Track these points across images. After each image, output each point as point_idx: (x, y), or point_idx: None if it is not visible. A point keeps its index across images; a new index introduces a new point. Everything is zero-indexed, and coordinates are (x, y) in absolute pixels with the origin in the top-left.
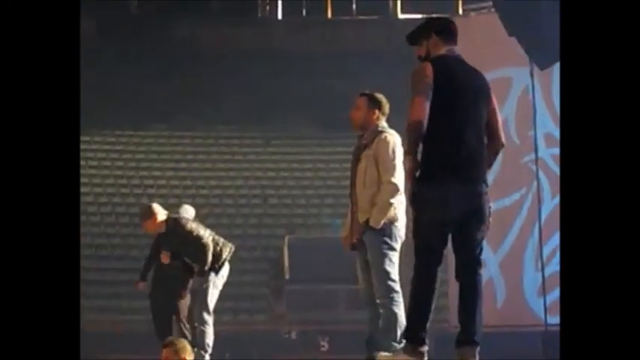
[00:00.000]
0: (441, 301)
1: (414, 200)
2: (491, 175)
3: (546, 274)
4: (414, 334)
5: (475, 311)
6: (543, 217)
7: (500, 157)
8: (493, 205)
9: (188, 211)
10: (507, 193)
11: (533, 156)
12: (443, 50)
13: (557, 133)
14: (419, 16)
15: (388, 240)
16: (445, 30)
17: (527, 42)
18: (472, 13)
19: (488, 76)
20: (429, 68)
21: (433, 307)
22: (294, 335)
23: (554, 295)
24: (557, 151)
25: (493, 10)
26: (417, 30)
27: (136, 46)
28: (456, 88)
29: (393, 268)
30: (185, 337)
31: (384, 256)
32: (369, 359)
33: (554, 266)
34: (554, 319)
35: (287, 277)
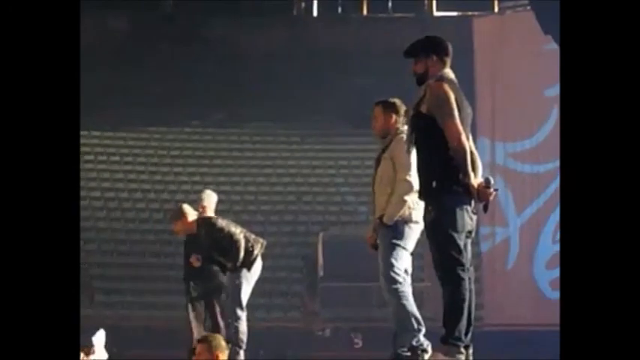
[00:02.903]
0: (476, 299)
1: (446, 217)
2: (534, 139)
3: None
4: (451, 334)
5: (448, 311)
6: None
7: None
8: (528, 168)
9: (210, 197)
10: (545, 159)
11: None
12: (443, 71)
13: None
14: (454, 13)
15: (399, 237)
16: (445, 51)
17: None
18: (508, 11)
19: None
20: (449, 89)
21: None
22: (327, 332)
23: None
24: None
25: (529, 8)
26: (418, 45)
27: (170, 46)
28: (463, 110)
29: (399, 262)
30: (219, 333)
31: (391, 250)
32: (396, 354)
33: None
34: (554, 294)
35: (321, 274)
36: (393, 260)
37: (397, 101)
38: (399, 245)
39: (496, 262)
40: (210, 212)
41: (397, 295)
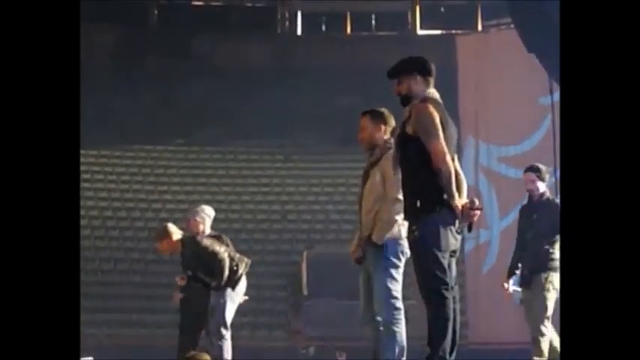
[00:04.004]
0: (461, 317)
1: (430, 237)
2: (523, 145)
3: None
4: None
5: (433, 330)
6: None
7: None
8: (513, 173)
9: (205, 210)
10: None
11: None
12: (428, 91)
13: None
14: (438, 32)
15: (391, 257)
16: (428, 71)
17: (546, 58)
18: (492, 29)
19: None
20: (434, 110)
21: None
22: (312, 351)
23: None
24: None
25: (512, 26)
26: (400, 66)
27: (154, 61)
28: (448, 130)
29: (395, 285)
30: (210, 351)
31: (386, 272)
32: None
33: None
34: None
35: (305, 292)
36: (390, 284)
37: (385, 111)
38: (393, 264)
39: (476, 265)
40: (206, 228)
41: (392, 322)
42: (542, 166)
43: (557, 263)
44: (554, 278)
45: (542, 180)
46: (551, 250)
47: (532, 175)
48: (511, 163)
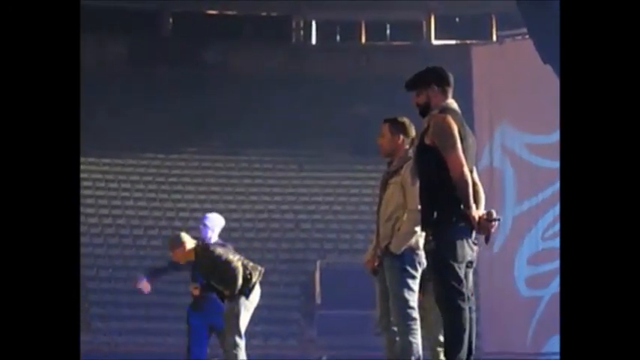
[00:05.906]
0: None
1: (447, 248)
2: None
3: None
4: None
5: (449, 340)
6: None
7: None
8: (540, 162)
9: (214, 219)
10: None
11: None
12: (445, 101)
13: None
14: (452, 42)
15: (408, 267)
16: (446, 81)
17: None
18: (507, 40)
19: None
20: (452, 121)
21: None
22: None
23: (543, 268)
24: None
25: (527, 36)
26: (417, 77)
27: (167, 69)
28: (466, 141)
29: (412, 295)
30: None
31: (403, 283)
32: None
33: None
34: (528, 291)
35: (318, 301)
36: (407, 295)
37: (406, 121)
38: (410, 275)
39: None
40: (214, 236)
41: (409, 332)
42: None
43: None
44: None
45: None
46: None
47: None
48: (537, 151)
